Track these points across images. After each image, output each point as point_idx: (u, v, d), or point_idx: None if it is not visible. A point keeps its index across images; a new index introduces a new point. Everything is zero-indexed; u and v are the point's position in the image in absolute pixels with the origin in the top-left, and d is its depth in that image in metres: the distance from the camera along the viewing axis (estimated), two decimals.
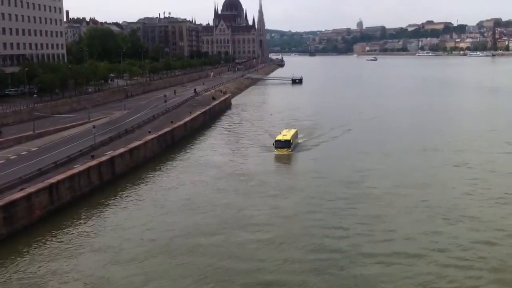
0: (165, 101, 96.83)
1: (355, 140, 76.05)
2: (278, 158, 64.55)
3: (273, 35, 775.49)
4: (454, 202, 46.09)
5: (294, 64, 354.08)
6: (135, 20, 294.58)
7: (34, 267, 34.50)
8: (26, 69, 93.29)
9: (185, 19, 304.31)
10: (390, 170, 57.60)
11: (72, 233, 40.34)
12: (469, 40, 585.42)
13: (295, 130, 73.41)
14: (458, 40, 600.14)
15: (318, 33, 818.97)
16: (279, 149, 65.84)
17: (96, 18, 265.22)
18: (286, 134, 69.19)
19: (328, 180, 53.95)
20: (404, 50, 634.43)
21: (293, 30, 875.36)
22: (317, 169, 58.57)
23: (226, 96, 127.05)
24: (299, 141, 72.63)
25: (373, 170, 57.50)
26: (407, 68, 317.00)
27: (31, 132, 67.38)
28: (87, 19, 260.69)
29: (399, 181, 52.87)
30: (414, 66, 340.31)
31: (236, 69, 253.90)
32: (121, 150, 58.22)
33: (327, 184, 52.64)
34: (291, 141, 67.15)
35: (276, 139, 67.53)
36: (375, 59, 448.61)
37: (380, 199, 47.19)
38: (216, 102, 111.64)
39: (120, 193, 50.89)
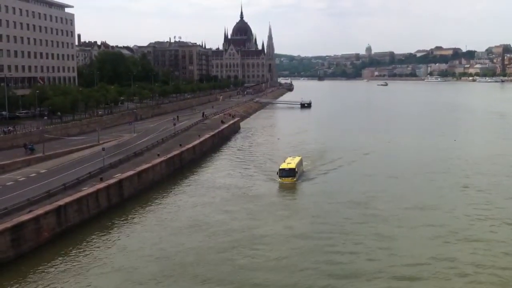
0: (174, 124, 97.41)
1: (363, 167, 74.53)
2: (282, 188, 61.90)
3: (282, 59, 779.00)
4: (463, 225, 46.25)
5: (303, 88, 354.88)
6: (145, 44, 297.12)
7: None
8: (37, 91, 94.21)
9: (195, 43, 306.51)
10: (398, 194, 57.43)
11: (81, 255, 40.29)
12: (478, 66, 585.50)
13: (300, 157, 70.12)
14: (467, 66, 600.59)
15: (327, 58, 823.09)
16: (283, 178, 62.75)
17: (107, 42, 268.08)
18: (290, 162, 65.60)
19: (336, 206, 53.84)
20: (413, 75, 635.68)
21: (302, 55, 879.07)
22: (325, 200, 58.16)
23: (235, 119, 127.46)
24: (305, 168, 69.65)
25: (381, 192, 57.68)
26: (417, 93, 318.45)
27: (40, 154, 67.73)
28: (99, 43, 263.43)
29: (408, 204, 52.85)
30: (424, 91, 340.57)
31: (245, 93, 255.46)
32: (130, 172, 58.36)
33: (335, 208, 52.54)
34: (296, 169, 63.75)
35: (280, 167, 64.19)
36: (386, 84, 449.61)
37: (388, 221, 47.31)
38: (225, 125, 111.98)
39: (129, 215, 50.85)
